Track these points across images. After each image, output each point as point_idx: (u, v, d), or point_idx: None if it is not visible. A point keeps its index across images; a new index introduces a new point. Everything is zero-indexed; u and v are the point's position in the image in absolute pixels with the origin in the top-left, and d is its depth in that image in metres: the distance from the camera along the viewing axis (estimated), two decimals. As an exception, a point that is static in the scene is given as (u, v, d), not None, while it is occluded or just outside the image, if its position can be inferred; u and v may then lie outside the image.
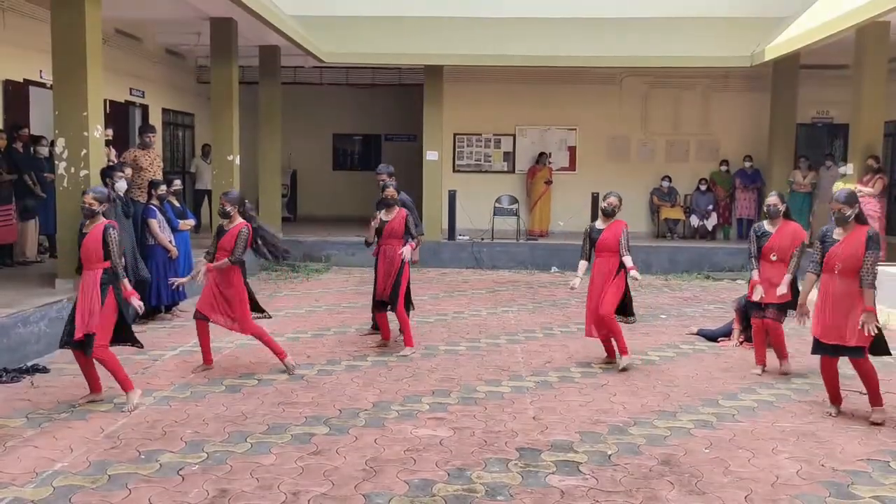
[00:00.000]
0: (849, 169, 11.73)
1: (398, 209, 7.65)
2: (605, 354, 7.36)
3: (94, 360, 5.66)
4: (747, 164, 15.10)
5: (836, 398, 5.90)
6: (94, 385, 5.82)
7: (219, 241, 6.69)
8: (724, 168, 15.46)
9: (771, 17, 14.24)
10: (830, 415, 5.81)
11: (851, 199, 5.62)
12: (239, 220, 6.74)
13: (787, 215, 6.99)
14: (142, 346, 6.12)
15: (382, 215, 7.64)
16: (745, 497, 4.36)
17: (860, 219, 5.66)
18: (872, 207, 10.92)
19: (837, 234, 5.65)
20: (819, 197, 13.59)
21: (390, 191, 7.66)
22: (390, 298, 7.53)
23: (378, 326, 8.00)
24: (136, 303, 5.70)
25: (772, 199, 6.98)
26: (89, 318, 5.51)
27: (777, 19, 14.00)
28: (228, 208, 6.74)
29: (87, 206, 5.71)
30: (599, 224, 7.22)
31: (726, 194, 15.34)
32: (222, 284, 6.61)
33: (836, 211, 5.62)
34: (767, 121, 14.82)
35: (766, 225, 6.99)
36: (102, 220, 5.71)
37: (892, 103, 12.85)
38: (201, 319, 6.70)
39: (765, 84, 14.90)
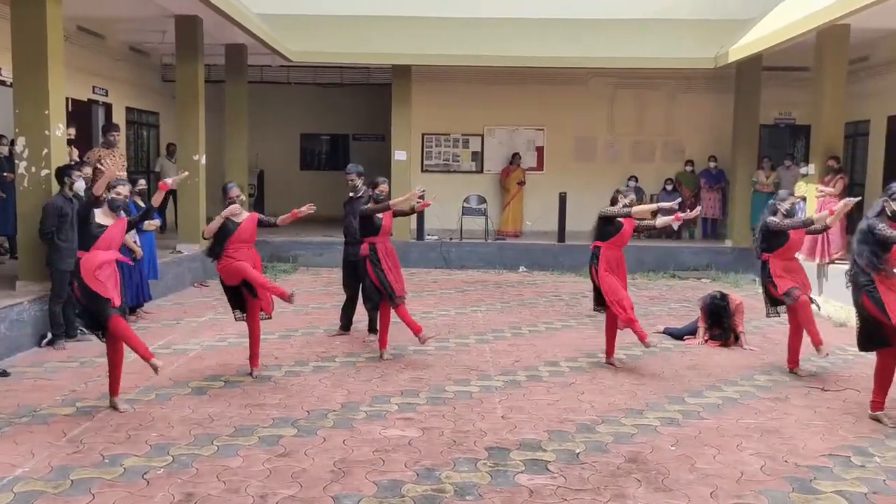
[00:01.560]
0: (810, 169, 11.92)
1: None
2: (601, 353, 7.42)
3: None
4: (712, 165, 15.31)
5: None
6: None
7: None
8: (689, 168, 15.64)
9: (734, 19, 14.45)
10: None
11: None
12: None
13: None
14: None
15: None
16: (711, 493, 4.42)
17: None
18: (833, 208, 11.09)
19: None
20: (781, 196, 13.80)
21: (384, 187, 7.43)
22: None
23: (379, 328, 7.61)
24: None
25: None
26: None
27: (740, 21, 14.20)
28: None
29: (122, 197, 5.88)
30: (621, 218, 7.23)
31: (692, 194, 15.52)
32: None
33: None
34: (731, 121, 15.03)
35: None
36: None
37: (852, 105, 13.11)
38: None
39: (728, 85, 15.10)
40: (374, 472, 4.63)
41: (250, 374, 6.64)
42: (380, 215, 7.35)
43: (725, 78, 15.11)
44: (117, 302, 5.68)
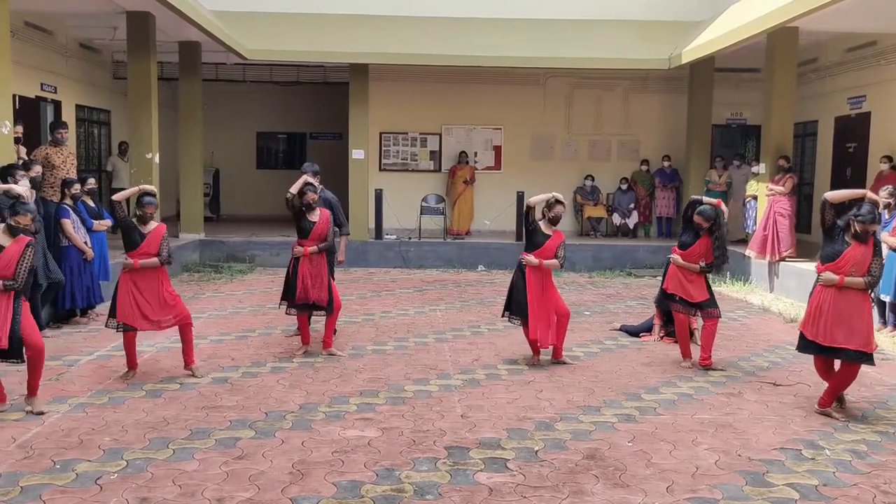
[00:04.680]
0: (761, 168, 12.18)
1: (320, 210, 7.41)
2: (533, 354, 7.37)
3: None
4: (666, 164, 15.52)
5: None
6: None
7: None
8: (644, 168, 15.84)
9: (687, 21, 14.69)
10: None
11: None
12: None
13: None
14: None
15: (310, 216, 7.34)
16: (667, 488, 4.48)
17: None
18: (783, 206, 11.36)
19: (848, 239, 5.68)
20: (733, 196, 14.08)
21: (311, 195, 7.29)
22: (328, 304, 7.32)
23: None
24: None
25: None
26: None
27: (693, 23, 14.45)
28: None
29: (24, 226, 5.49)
30: (545, 229, 7.11)
31: (646, 193, 15.73)
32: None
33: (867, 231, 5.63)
34: (685, 121, 15.27)
35: None
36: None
37: (802, 106, 13.41)
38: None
39: (682, 86, 15.35)
40: (333, 472, 4.60)
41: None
42: (312, 219, 7.35)
43: (679, 79, 15.35)
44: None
